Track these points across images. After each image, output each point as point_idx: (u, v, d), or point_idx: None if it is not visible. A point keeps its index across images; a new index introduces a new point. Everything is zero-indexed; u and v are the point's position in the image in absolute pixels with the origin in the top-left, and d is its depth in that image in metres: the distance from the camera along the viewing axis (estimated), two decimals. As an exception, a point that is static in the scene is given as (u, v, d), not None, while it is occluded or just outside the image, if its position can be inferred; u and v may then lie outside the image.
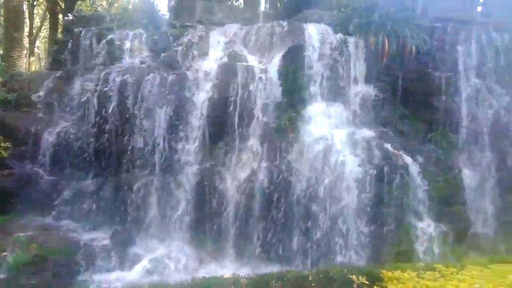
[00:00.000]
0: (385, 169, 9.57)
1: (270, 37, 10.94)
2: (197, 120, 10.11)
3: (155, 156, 9.99)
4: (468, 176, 10.46)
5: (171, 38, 11.63)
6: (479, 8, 12.05)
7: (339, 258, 9.07)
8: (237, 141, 9.98)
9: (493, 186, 10.55)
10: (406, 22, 10.70)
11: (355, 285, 6.20)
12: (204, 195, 9.68)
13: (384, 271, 6.56)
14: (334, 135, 9.91)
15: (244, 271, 7.64)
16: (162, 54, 11.19)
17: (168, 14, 13.84)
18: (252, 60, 10.63)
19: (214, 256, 9.42)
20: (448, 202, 9.98)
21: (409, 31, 10.55)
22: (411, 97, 10.89)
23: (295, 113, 10.08)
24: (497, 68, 11.07)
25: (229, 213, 9.59)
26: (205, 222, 9.62)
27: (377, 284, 6.20)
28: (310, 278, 6.38)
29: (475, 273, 6.69)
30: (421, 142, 10.74)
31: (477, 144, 10.79)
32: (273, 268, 8.04)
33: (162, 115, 10.07)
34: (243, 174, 9.77)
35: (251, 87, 10.08)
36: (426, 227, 9.63)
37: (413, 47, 10.50)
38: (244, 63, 10.36)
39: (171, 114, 10.07)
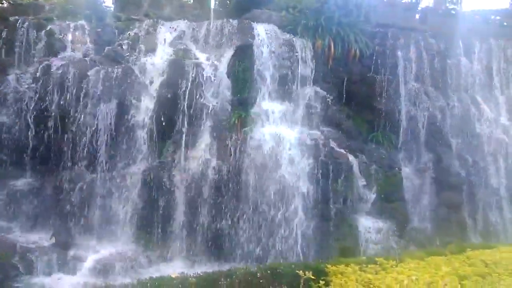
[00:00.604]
0: (331, 167, 9.92)
1: (219, 35, 10.86)
2: (144, 116, 9.84)
3: (99, 154, 9.58)
4: (407, 174, 11.10)
5: (116, 31, 11.16)
6: (417, 16, 12.74)
7: (287, 254, 9.24)
8: (186, 139, 9.82)
9: (430, 183, 11.24)
10: (351, 26, 11.11)
11: (302, 280, 6.36)
12: (152, 194, 9.44)
13: (329, 266, 6.79)
14: (283, 134, 10.10)
15: (193, 270, 7.55)
16: (107, 48, 10.69)
17: (113, 6, 13.27)
18: (202, 58, 10.50)
19: (162, 255, 9.23)
20: (388, 198, 10.55)
21: (353, 35, 10.97)
22: (355, 99, 11.35)
23: (245, 111, 10.11)
24: (433, 72, 11.80)
25: (178, 212, 9.44)
26: (152, 221, 9.37)
27: (322, 278, 6.39)
28: (258, 275, 6.45)
29: (412, 266, 7.11)
30: (365, 141, 11.25)
31: (415, 144, 11.44)
32: (222, 266, 8.05)
33: (106, 111, 9.67)
34: (192, 172, 9.64)
35: (200, 85, 9.97)
36: (368, 222, 10.12)
37: (357, 51, 10.94)
38: (193, 60, 10.22)
39: (115, 110, 9.71)
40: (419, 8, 13.28)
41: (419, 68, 11.59)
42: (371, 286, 6.06)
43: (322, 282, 6.33)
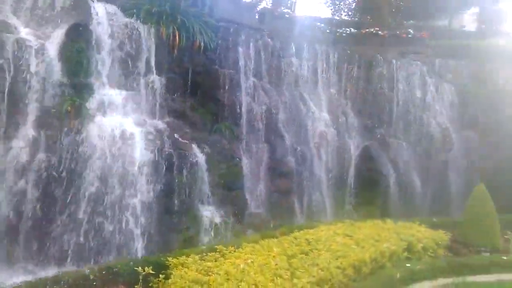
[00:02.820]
0: (175, 159, 9.85)
1: (49, 9, 9.55)
2: None
3: None
4: (246, 163, 11.82)
5: None
6: (256, 16, 13.59)
7: (129, 252, 8.82)
8: (5, 128, 8.40)
9: (266, 172, 12.21)
10: (196, 17, 11.14)
11: (141, 277, 6.19)
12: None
13: (169, 259, 6.79)
14: (125, 125, 9.55)
15: (17, 278, 6.60)
16: None
17: None
18: (26, 33, 9.08)
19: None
20: (229, 187, 11.06)
21: (198, 26, 11.04)
22: (200, 90, 11.49)
23: (80, 98, 9.17)
24: (269, 70, 12.82)
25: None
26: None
27: (163, 272, 6.36)
28: (91, 277, 6.01)
29: (248, 250, 7.66)
30: (209, 132, 11.51)
31: (254, 136, 12.25)
32: (52, 272, 7.19)
33: None
34: (14, 168, 8.32)
35: (24, 65, 8.61)
36: (210, 211, 10.44)
37: (202, 43, 11.05)
38: (15, 36, 8.76)
39: None
40: (258, 8, 14.15)
41: (257, 65, 12.42)
42: (210, 273, 6.28)
43: (162, 276, 6.31)
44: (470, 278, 8.47)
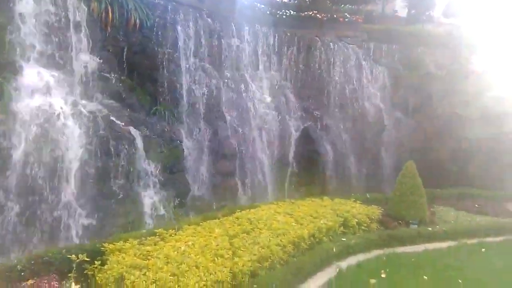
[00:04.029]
0: (111, 142, 9.45)
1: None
2: None
3: None
4: (187, 145, 11.65)
5: None
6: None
7: (65, 241, 8.41)
8: None
9: (207, 154, 12.13)
10: (131, -7, 10.63)
11: (74, 265, 5.93)
12: None
13: (106, 245, 6.56)
14: (55, 106, 8.96)
15: None
16: None
17: None
18: None
19: None
20: (171, 170, 10.86)
21: (133, 3, 10.54)
22: (137, 71, 11.06)
23: (2, 78, 8.45)
24: (210, 50, 12.59)
25: None
26: None
27: (98, 258, 6.14)
28: (19, 267, 5.64)
29: (190, 232, 7.61)
30: (147, 114, 11.15)
31: (195, 118, 12.07)
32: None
33: None
34: None
35: None
36: (151, 195, 10.21)
37: (137, 20, 10.58)
38: None
39: None
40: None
41: (197, 45, 12.15)
42: (150, 257, 6.17)
43: (97, 263, 6.09)
44: (400, 249, 9.11)
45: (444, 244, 9.51)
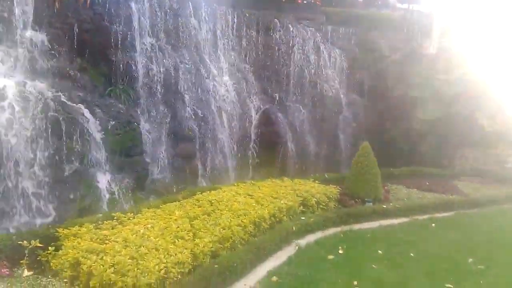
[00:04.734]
0: (63, 124, 9.02)
1: None
2: None
3: None
4: (145, 128, 11.34)
5: None
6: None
7: (16, 227, 8.03)
8: None
9: (166, 136, 11.88)
10: (80, -34, 10.01)
11: (27, 251, 5.68)
12: None
13: (60, 230, 6.31)
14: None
15: None
16: None
17: None
18: None
19: None
20: (128, 153, 10.55)
21: (82, -24, 9.97)
22: (89, 49, 10.53)
23: None
24: (167, 29, 12.19)
25: None
26: None
27: (52, 244, 5.91)
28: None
29: (149, 215, 7.46)
30: (101, 96, 10.71)
31: (152, 99, 11.74)
32: None
33: None
34: None
35: None
36: (108, 179, 9.90)
37: (88, -4, 10.03)
38: None
39: None
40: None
41: (153, 24, 11.73)
42: (107, 241, 6.00)
43: (51, 248, 5.86)
44: (356, 226, 9.43)
45: (397, 221, 9.93)
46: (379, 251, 7.99)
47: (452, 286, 6.65)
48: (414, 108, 15.23)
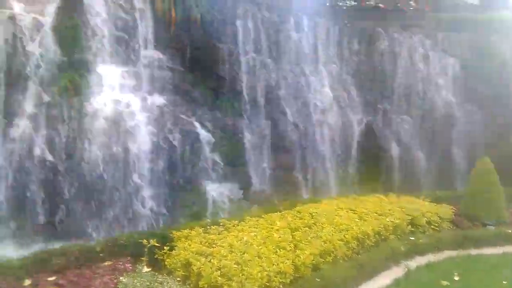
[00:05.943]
0: (178, 135, 9.79)
1: (42, -16, 9.32)
2: None
3: None
4: (249, 139, 11.71)
5: None
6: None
7: (136, 227, 8.87)
8: (5, 108, 8.36)
9: (268, 148, 12.10)
10: (190, -10, 10.87)
11: (146, 249, 6.22)
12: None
13: (174, 232, 6.79)
14: (125, 101, 9.46)
15: (24, 251, 6.63)
16: None
17: None
18: (18, 8, 8.87)
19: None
20: (233, 164, 10.99)
21: (193, 0, 10.78)
22: (199, 66, 11.28)
23: (78, 74, 9.04)
24: (269, 44, 12.53)
25: (2, 191, 8.13)
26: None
27: (167, 244, 6.38)
28: (98, 249, 6.04)
29: (252, 223, 7.63)
30: (210, 109, 11.36)
31: (255, 112, 12.09)
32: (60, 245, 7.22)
33: None
34: (16, 145, 8.27)
35: (20, 41, 8.46)
36: (215, 188, 10.41)
37: (198, 16, 10.79)
38: (8, 10, 8.54)
39: None
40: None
41: (257, 40, 12.14)
42: (214, 246, 6.27)
43: (166, 248, 6.32)
44: (475, 251, 8.46)
45: (527, 248, 8.68)
46: (504, 282, 7.03)
47: None
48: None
